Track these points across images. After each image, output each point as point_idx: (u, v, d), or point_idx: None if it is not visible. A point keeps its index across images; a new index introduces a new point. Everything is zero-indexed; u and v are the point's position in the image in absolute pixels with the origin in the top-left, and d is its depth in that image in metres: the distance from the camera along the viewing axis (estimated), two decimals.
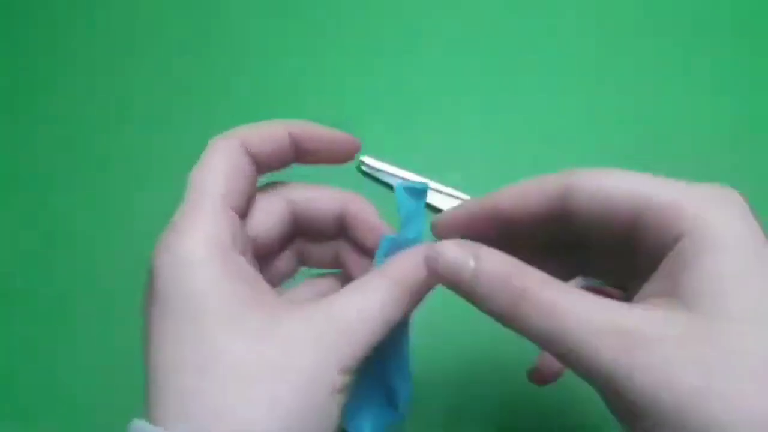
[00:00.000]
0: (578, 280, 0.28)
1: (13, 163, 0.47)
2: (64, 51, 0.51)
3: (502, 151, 0.45)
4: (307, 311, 0.22)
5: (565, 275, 0.25)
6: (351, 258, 0.28)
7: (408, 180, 0.27)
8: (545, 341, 0.20)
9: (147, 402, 0.21)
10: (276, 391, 0.20)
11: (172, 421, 0.20)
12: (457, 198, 0.43)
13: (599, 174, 0.22)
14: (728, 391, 0.18)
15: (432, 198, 0.43)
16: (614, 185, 0.22)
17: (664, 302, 0.20)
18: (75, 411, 0.39)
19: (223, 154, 0.24)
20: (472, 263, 0.22)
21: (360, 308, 0.22)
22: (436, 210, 0.43)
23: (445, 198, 0.43)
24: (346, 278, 0.29)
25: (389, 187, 0.44)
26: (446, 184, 0.44)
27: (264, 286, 0.23)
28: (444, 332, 0.39)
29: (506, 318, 0.21)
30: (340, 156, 0.27)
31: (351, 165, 0.36)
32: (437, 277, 0.23)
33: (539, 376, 0.31)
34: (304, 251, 0.29)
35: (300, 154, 0.26)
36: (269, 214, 0.27)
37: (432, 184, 0.44)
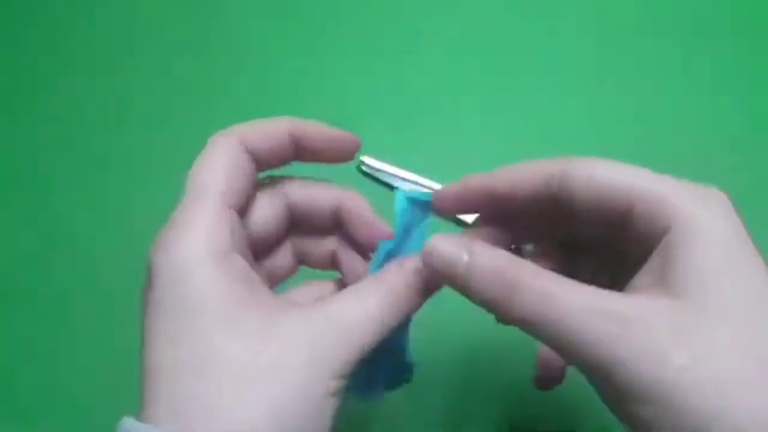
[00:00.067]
0: None
1: (13, 163, 0.47)
2: (64, 51, 0.51)
3: (502, 151, 0.45)
4: (304, 313, 0.22)
5: (556, 268, 0.26)
6: (346, 255, 0.28)
7: (411, 190, 0.27)
8: (539, 329, 0.21)
9: (142, 401, 0.21)
10: (271, 391, 0.20)
11: (166, 421, 0.20)
12: None
13: (593, 163, 0.23)
14: (714, 372, 0.18)
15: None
16: (607, 176, 0.23)
17: (652, 291, 0.21)
18: (75, 411, 0.39)
19: (222, 152, 0.24)
20: (465, 257, 0.22)
21: (356, 312, 0.22)
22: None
23: None
24: (345, 283, 0.29)
25: (389, 186, 0.44)
26: (446, 184, 0.44)
27: (261, 286, 0.23)
28: (443, 332, 0.39)
29: (500, 308, 0.22)
30: (340, 155, 0.27)
31: (350, 165, 0.36)
32: (432, 271, 0.23)
33: (542, 381, 0.31)
34: (301, 248, 0.29)
35: (300, 152, 0.26)
36: (266, 210, 0.27)
37: (432, 183, 0.44)
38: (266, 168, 0.26)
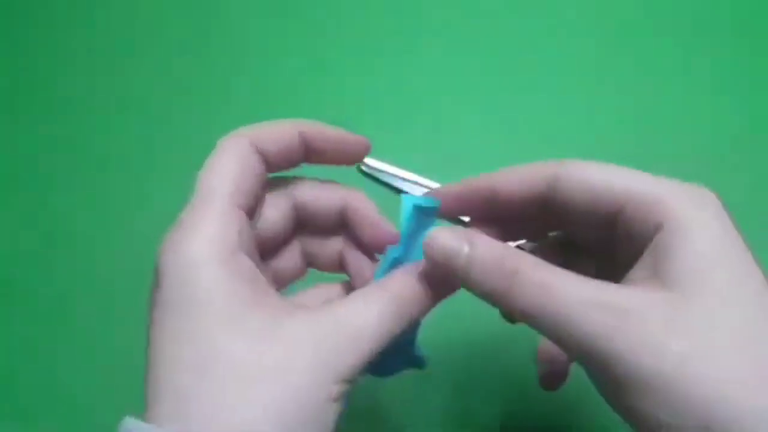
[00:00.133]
0: None
1: (13, 163, 0.47)
2: (64, 51, 0.51)
3: (502, 151, 0.45)
4: (310, 315, 0.22)
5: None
6: (353, 256, 0.28)
7: (416, 195, 0.27)
8: (538, 320, 0.21)
9: (145, 400, 0.21)
10: (275, 392, 0.20)
11: (168, 420, 0.20)
12: None
13: (586, 165, 0.24)
14: (712, 364, 0.19)
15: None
16: (598, 178, 0.23)
17: (648, 284, 0.21)
18: (75, 411, 0.39)
19: (232, 153, 0.24)
20: (466, 248, 0.22)
21: (363, 317, 0.22)
22: None
23: None
24: (353, 286, 0.29)
25: (389, 187, 0.44)
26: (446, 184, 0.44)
27: (267, 287, 0.23)
28: (444, 328, 0.39)
29: (500, 299, 0.22)
30: (350, 157, 0.27)
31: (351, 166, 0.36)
32: (433, 262, 0.23)
33: (546, 380, 0.31)
34: (309, 249, 0.29)
35: (310, 154, 0.26)
36: (272, 210, 0.27)
37: (432, 183, 0.44)
38: (276, 169, 0.26)
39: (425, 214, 0.26)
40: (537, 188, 0.24)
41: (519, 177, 0.25)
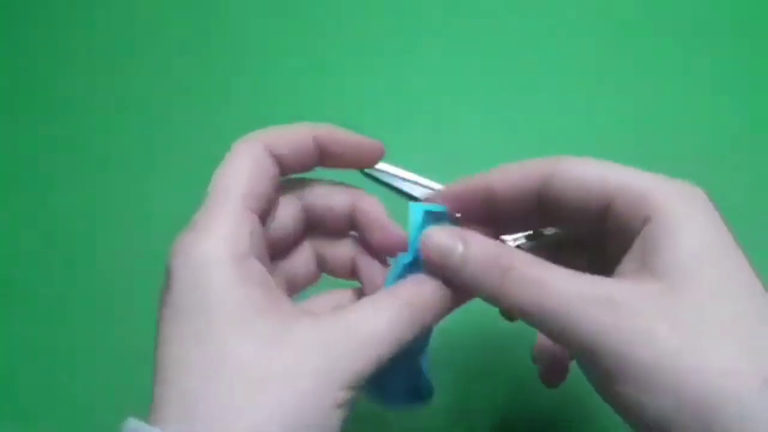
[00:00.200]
0: None
1: (13, 163, 0.47)
2: (64, 51, 0.51)
3: (502, 151, 0.45)
4: (319, 321, 0.22)
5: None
6: (364, 262, 0.28)
7: (424, 202, 0.27)
8: (532, 314, 0.22)
9: (153, 401, 0.21)
10: (282, 397, 0.20)
11: (176, 421, 0.20)
12: None
13: (578, 162, 0.24)
14: (700, 349, 0.19)
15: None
16: (590, 173, 0.24)
17: (638, 276, 0.22)
18: (75, 411, 0.39)
19: (246, 156, 0.24)
20: (460, 247, 0.23)
21: (373, 324, 0.22)
22: None
23: None
24: (364, 292, 0.29)
25: (389, 187, 0.44)
26: (446, 184, 0.44)
27: (278, 291, 0.23)
28: (444, 331, 0.39)
29: (494, 296, 0.23)
30: (364, 161, 0.27)
31: None
32: (429, 261, 0.24)
33: (547, 377, 0.31)
34: (320, 251, 0.29)
35: (324, 157, 0.26)
36: (283, 211, 0.27)
37: (432, 183, 0.44)
38: (290, 172, 0.26)
39: (434, 219, 0.26)
40: (531, 185, 0.25)
41: (514, 175, 0.25)
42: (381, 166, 0.45)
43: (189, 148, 0.46)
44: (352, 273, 0.29)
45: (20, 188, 0.46)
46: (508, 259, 0.22)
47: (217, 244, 0.22)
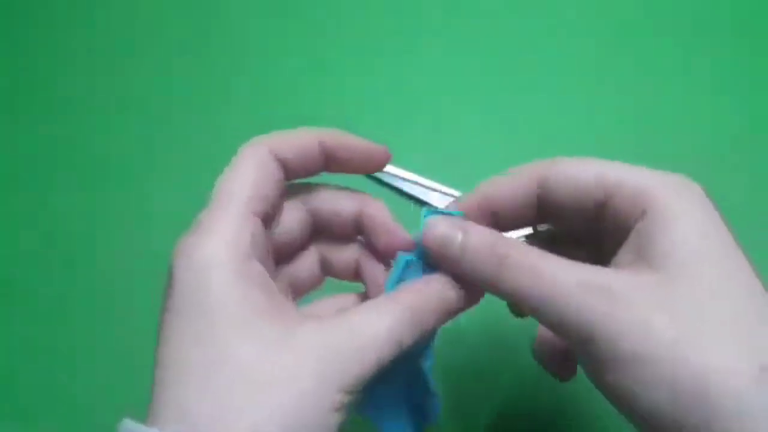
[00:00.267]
0: None
1: (13, 163, 0.47)
2: (64, 51, 0.51)
3: (502, 151, 0.45)
4: (318, 324, 0.22)
5: None
6: (369, 265, 0.28)
7: (436, 207, 0.27)
8: (529, 301, 0.22)
9: (151, 401, 0.21)
10: (281, 399, 0.20)
11: (174, 422, 0.20)
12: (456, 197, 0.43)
13: (573, 162, 0.25)
14: (698, 341, 0.19)
15: (431, 197, 0.43)
16: (587, 173, 0.24)
17: (634, 267, 0.22)
18: (75, 411, 0.39)
19: (251, 160, 0.25)
20: (460, 236, 0.24)
21: (375, 327, 0.22)
22: None
23: (443, 197, 0.43)
24: (368, 295, 0.29)
25: (390, 187, 0.44)
26: (446, 184, 0.44)
27: (278, 294, 0.23)
28: (445, 331, 0.39)
29: (492, 282, 0.23)
30: (370, 166, 0.27)
31: None
32: (429, 250, 0.24)
33: (556, 371, 0.31)
34: (325, 255, 0.29)
35: (330, 162, 0.27)
36: (288, 216, 0.27)
37: (432, 183, 0.44)
38: (295, 177, 0.26)
39: None
40: (529, 190, 0.25)
41: (511, 184, 0.26)
42: None
43: (189, 148, 0.46)
44: (356, 275, 0.29)
45: (20, 188, 0.46)
46: (506, 247, 0.23)
47: (218, 246, 0.22)
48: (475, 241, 0.24)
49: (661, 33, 0.50)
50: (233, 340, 0.21)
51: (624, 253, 0.23)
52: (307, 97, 0.48)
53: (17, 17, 0.53)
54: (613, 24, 0.51)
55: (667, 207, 0.22)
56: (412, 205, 0.28)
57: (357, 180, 0.45)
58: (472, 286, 0.25)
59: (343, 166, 0.27)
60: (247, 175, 0.24)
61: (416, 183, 0.44)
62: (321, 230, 0.28)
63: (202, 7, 0.52)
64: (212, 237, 0.22)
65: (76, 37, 0.52)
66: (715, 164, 0.44)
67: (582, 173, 0.24)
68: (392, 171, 0.45)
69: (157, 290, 0.23)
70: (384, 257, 0.28)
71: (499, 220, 0.27)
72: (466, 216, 0.27)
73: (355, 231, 0.28)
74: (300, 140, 0.26)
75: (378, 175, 0.45)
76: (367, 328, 0.22)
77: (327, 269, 0.29)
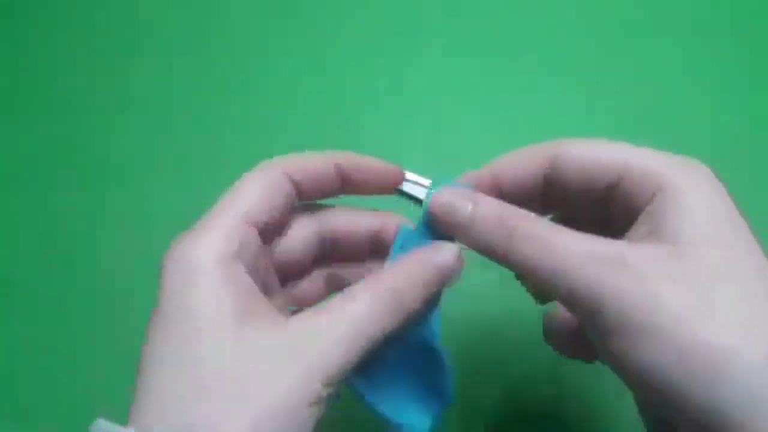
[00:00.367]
0: None
1: (13, 163, 0.47)
2: (64, 51, 0.51)
3: (502, 151, 0.45)
4: (291, 324, 0.22)
5: None
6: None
7: (444, 179, 0.27)
8: (539, 273, 0.22)
9: (133, 400, 0.21)
10: (255, 397, 0.20)
11: (152, 422, 0.20)
12: None
13: (584, 143, 0.25)
14: (708, 313, 0.19)
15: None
16: (597, 153, 0.24)
17: (645, 241, 0.22)
18: (75, 411, 0.39)
19: (260, 177, 0.25)
20: (469, 206, 0.24)
21: (346, 323, 0.22)
22: None
23: None
24: None
25: None
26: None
27: (259, 297, 0.23)
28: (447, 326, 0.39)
29: (501, 253, 0.23)
30: (385, 187, 0.28)
31: None
32: (437, 220, 0.24)
33: (573, 351, 0.31)
34: (340, 274, 0.29)
35: (346, 185, 0.27)
36: (296, 233, 0.27)
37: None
38: (308, 198, 0.27)
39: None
40: (539, 169, 0.25)
41: (522, 162, 0.26)
42: None
43: (189, 148, 0.46)
44: None
45: (20, 188, 0.46)
46: (515, 218, 0.23)
47: (204, 250, 0.22)
48: (484, 210, 0.24)
49: (661, 33, 0.50)
50: (210, 341, 0.21)
51: (635, 230, 0.23)
52: (307, 97, 0.48)
53: (17, 17, 0.53)
54: (613, 24, 0.51)
55: (680, 188, 0.22)
56: (412, 205, 0.28)
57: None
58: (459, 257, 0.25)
59: (358, 188, 0.27)
60: (251, 189, 0.25)
61: (416, 183, 0.44)
62: (335, 250, 0.29)
63: (202, 7, 0.52)
64: (200, 241, 0.23)
65: (76, 37, 0.52)
66: (715, 164, 0.44)
67: (594, 154, 0.24)
68: None
69: (156, 290, 0.23)
70: None
71: (503, 198, 0.27)
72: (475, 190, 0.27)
73: (370, 250, 0.29)
74: (315, 163, 0.26)
75: None
76: (338, 321, 0.22)
77: (338, 288, 0.30)
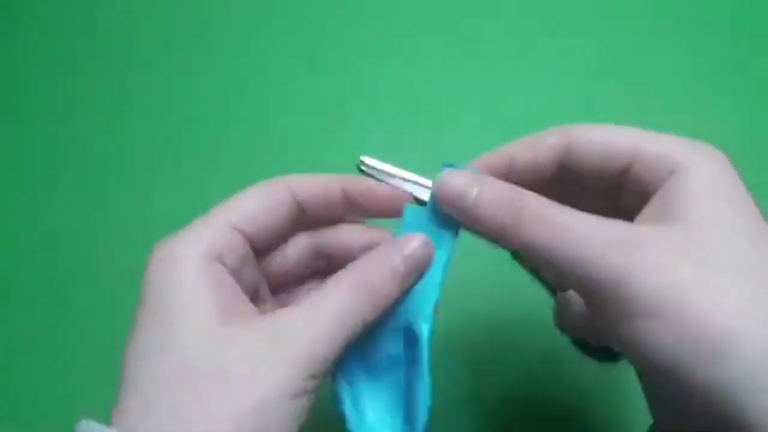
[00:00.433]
0: None
1: (13, 163, 0.47)
2: (64, 51, 0.51)
3: None
4: (271, 318, 0.22)
5: None
6: None
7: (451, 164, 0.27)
8: (548, 255, 0.22)
9: (117, 400, 0.21)
10: (234, 394, 0.20)
11: (134, 420, 0.20)
12: None
13: (597, 128, 0.25)
14: (717, 292, 0.19)
15: (427, 196, 0.43)
16: (611, 136, 0.24)
17: (656, 223, 0.22)
18: (75, 411, 0.39)
19: (261, 190, 0.26)
20: (476, 188, 0.23)
21: (325, 314, 0.22)
22: None
23: None
24: None
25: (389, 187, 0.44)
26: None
27: (240, 296, 0.24)
28: (448, 321, 0.39)
29: (508, 235, 0.23)
30: (392, 211, 0.28)
31: (351, 165, 0.35)
32: (443, 202, 0.24)
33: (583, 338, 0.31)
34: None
35: (353, 209, 0.27)
36: (291, 247, 0.28)
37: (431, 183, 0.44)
38: (315, 219, 0.27)
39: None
40: (552, 155, 0.25)
41: (535, 148, 0.26)
42: (381, 165, 0.45)
43: (189, 149, 0.46)
44: None
45: (20, 188, 0.46)
46: (525, 199, 0.23)
47: (185, 250, 0.23)
48: (492, 191, 0.23)
49: (661, 33, 0.50)
50: (190, 338, 0.21)
51: (645, 214, 0.23)
52: (307, 97, 0.48)
53: (17, 17, 0.53)
54: (613, 24, 0.51)
55: (692, 170, 0.22)
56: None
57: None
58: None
59: (363, 213, 0.28)
60: (248, 200, 0.25)
61: (416, 183, 0.44)
62: (330, 264, 0.29)
63: (202, 8, 0.52)
64: (182, 241, 0.23)
65: (76, 37, 0.52)
66: None
67: (608, 138, 0.24)
68: (392, 171, 0.44)
69: None
70: None
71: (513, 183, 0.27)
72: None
73: None
74: (321, 185, 0.27)
75: (377, 174, 0.45)
76: (313, 316, 0.22)
77: None
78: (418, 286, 0.25)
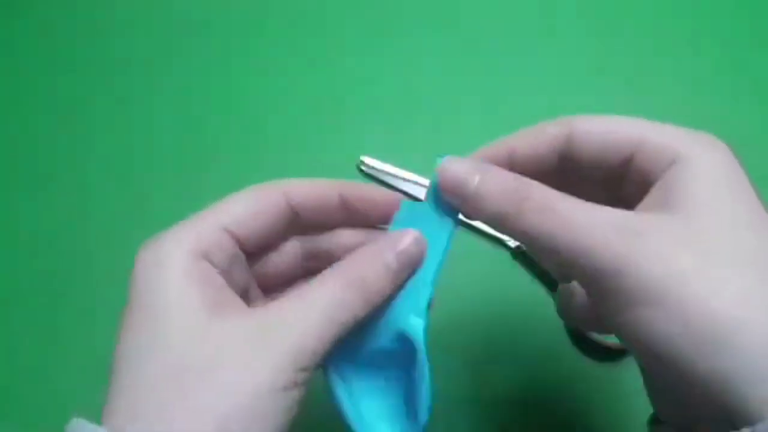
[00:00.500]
0: None
1: (13, 163, 0.47)
2: (64, 51, 0.51)
3: None
4: (260, 312, 0.22)
5: None
6: None
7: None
8: (546, 240, 0.22)
9: (106, 399, 0.22)
10: (223, 389, 0.20)
11: (122, 420, 0.20)
12: None
13: (599, 118, 0.25)
14: (719, 278, 0.19)
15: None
16: (612, 127, 0.24)
17: (657, 212, 0.22)
18: (74, 411, 0.39)
19: (253, 194, 0.25)
20: (477, 177, 0.23)
21: (315, 308, 0.22)
22: None
23: None
24: None
25: (389, 187, 0.44)
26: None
27: (228, 292, 0.24)
28: (448, 319, 0.39)
29: (509, 222, 0.23)
30: (389, 218, 0.27)
31: (351, 165, 0.36)
32: (445, 188, 0.24)
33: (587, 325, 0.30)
34: None
35: (350, 214, 0.27)
36: (283, 249, 0.28)
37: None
38: (310, 224, 0.27)
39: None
40: (553, 145, 0.25)
41: (536, 139, 0.26)
42: (381, 165, 0.45)
43: (188, 149, 0.46)
44: None
45: (20, 188, 0.46)
46: (529, 189, 0.23)
47: (172, 248, 0.23)
48: (494, 179, 0.23)
49: (661, 33, 0.50)
50: (177, 334, 0.21)
51: (647, 203, 0.23)
52: (307, 97, 0.48)
53: (17, 17, 0.53)
54: (613, 24, 0.51)
55: (693, 159, 0.22)
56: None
57: (356, 179, 0.45)
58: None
59: (361, 219, 0.27)
60: (239, 202, 0.25)
61: (416, 183, 0.44)
62: (323, 266, 0.29)
63: (201, 8, 0.52)
64: (169, 239, 0.23)
65: (76, 37, 0.52)
66: None
67: (610, 128, 0.24)
68: (392, 170, 0.45)
69: None
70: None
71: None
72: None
73: None
74: (317, 190, 0.26)
75: (377, 174, 0.45)
76: (301, 311, 0.22)
77: None
78: (412, 281, 0.25)
